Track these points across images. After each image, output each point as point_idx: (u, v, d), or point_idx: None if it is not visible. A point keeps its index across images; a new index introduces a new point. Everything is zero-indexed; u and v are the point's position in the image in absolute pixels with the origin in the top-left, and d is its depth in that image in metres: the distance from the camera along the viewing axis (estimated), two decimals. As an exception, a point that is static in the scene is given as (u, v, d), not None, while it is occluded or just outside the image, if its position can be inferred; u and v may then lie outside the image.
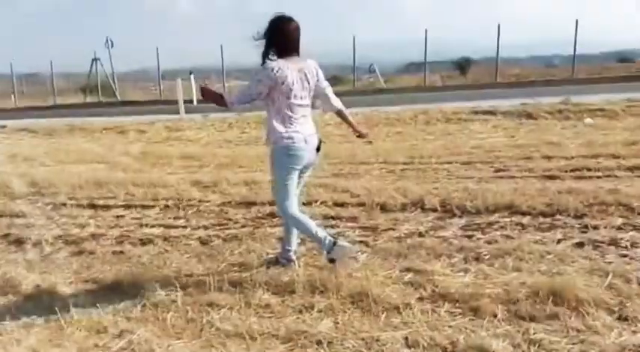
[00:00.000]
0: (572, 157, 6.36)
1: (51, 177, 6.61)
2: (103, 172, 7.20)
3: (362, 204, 4.82)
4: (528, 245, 3.49)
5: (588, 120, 9.52)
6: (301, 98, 3.10)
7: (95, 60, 21.61)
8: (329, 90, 3.30)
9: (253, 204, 5.08)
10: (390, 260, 3.44)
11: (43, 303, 3.08)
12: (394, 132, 9.83)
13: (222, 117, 12.41)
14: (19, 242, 4.33)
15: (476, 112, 10.93)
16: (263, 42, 3.08)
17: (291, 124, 3.09)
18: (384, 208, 4.69)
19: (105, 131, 11.99)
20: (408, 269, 3.23)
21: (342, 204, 4.88)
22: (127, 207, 5.27)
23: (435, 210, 4.54)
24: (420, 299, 2.84)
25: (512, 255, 3.35)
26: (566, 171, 5.65)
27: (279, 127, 3.08)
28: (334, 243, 3.10)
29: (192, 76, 17.51)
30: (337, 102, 3.35)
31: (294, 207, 3.22)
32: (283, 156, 3.11)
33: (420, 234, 3.94)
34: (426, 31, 18.53)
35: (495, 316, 2.60)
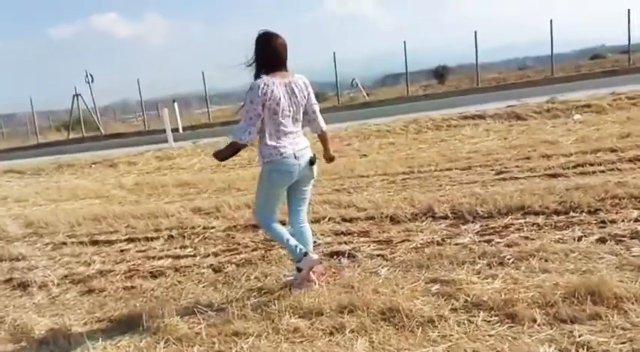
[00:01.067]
0: (571, 154, 6.37)
1: (46, 217, 6.44)
2: (99, 207, 7.04)
3: (371, 218, 4.75)
4: (550, 245, 3.44)
5: (577, 117, 9.60)
6: (290, 112, 3.06)
7: (76, 95, 21.39)
8: (317, 109, 3.26)
9: (257, 226, 4.98)
10: (413, 272, 3.36)
11: (60, 348, 2.93)
12: (387, 143, 9.81)
13: (213, 142, 12.29)
14: (23, 286, 4.17)
15: (465, 117, 10.98)
16: (253, 65, 3.10)
17: (280, 140, 3.06)
18: (394, 220, 4.62)
19: (94, 165, 11.80)
20: (434, 280, 3.16)
21: (350, 220, 4.80)
22: (131, 240, 5.13)
23: (446, 218, 4.48)
24: (454, 310, 2.76)
25: (536, 257, 3.29)
26: (568, 168, 5.65)
27: (269, 143, 3.06)
28: (305, 254, 3.19)
29: (175, 104, 17.45)
30: (323, 124, 3.31)
31: (272, 219, 3.31)
32: (273, 172, 3.10)
33: (437, 243, 3.87)
34: (404, 42, 18.73)
35: (535, 321, 2.52)
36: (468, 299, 2.82)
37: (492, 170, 6.15)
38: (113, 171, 10.89)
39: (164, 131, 19.64)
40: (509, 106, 11.29)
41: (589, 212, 4.07)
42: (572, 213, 4.10)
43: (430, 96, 17.94)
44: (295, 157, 3.09)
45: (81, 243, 5.23)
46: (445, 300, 2.87)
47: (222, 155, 3.22)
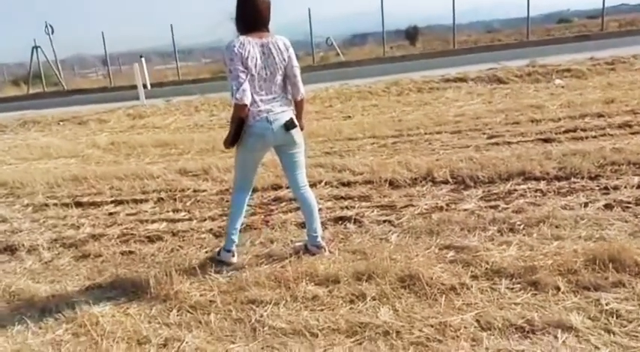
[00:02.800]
0: (559, 119, 6.41)
1: (21, 177, 6.13)
2: (76, 167, 6.76)
3: (369, 182, 4.69)
4: (558, 211, 3.46)
5: (558, 81, 9.65)
6: (266, 74, 2.91)
7: (35, 48, 20.21)
8: (298, 73, 3.04)
9: (254, 190, 4.84)
10: (424, 238, 3.33)
11: (64, 316, 2.79)
12: (370, 105, 9.66)
13: (186, 101, 11.93)
14: (10, 249, 3.96)
15: (446, 80, 10.91)
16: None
17: (255, 102, 2.91)
18: (393, 184, 4.57)
19: (62, 123, 11.28)
20: (448, 247, 3.13)
21: (348, 184, 4.73)
22: (118, 202, 4.93)
23: (446, 183, 4.46)
24: (474, 277, 2.74)
25: (546, 223, 3.31)
26: (559, 133, 5.68)
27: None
28: (228, 251, 3.26)
29: (142, 60, 16.74)
30: (302, 90, 3.09)
31: (240, 187, 3.22)
32: (244, 135, 2.96)
33: (442, 209, 3.85)
34: (381, 0, 18.31)
35: (558, 289, 2.53)
36: (487, 266, 2.80)
37: (484, 134, 6.14)
38: (84, 129, 10.43)
39: (131, 87, 18.93)
40: (490, 69, 11.26)
41: (590, 178, 4.10)
42: (573, 179, 4.12)
43: (407, 58, 17.73)
44: (268, 121, 2.94)
45: (64, 204, 5.00)
46: (463, 267, 2.84)
47: (229, 135, 3.00)
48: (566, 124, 6.07)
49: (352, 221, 3.79)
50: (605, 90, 8.32)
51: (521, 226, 3.31)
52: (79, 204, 4.99)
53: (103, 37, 19.76)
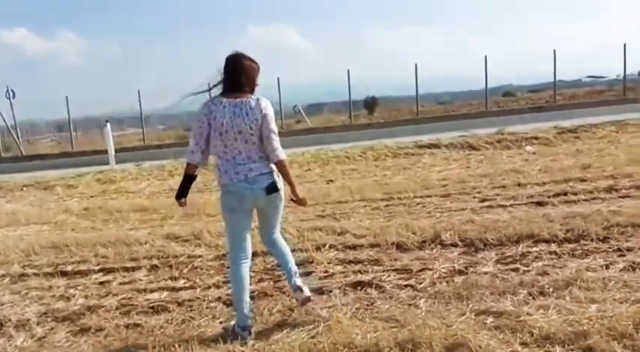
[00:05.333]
0: (544, 183, 6.59)
1: (-9, 245, 5.68)
2: (50, 234, 6.35)
3: (375, 245, 4.58)
4: (583, 273, 3.42)
5: (529, 148, 10.05)
6: (236, 133, 2.88)
7: (-7, 112, 19.62)
8: (272, 135, 2.93)
9: (254, 254, 4.62)
10: (454, 303, 3.20)
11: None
12: (349, 169, 9.73)
13: (158, 165, 11.68)
14: (-5, 326, 3.57)
15: (420, 146, 11.17)
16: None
17: (229, 162, 2.91)
18: (400, 247, 4.48)
19: (25, 188, 10.76)
20: (484, 312, 3.01)
21: (353, 247, 4.61)
22: (107, 270, 4.60)
23: (455, 245, 4.40)
24: (525, 344, 2.61)
25: (574, 286, 3.25)
26: (549, 197, 5.79)
27: (220, 166, 2.95)
28: (239, 328, 3.00)
29: (108, 125, 16.47)
30: (278, 152, 2.95)
31: (237, 256, 3.06)
32: (224, 195, 2.98)
33: (462, 272, 3.76)
34: (348, 71, 18.96)
35: (617, 354, 2.43)
36: (535, 332, 2.68)
37: (474, 197, 6.21)
38: (50, 195, 9.95)
39: (93, 152, 18.56)
40: (460, 136, 11.63)
41: (599, 240, 4.13)
42: (582, 241, 4.15)
43: (373, 125, 18.21)
44: (247, 181, 2.90)
45: (47, 274, 4.61)
46: (511, 334, 2.71)
47: (179, 189, 3.12)
48: (552, 188, 6.22)
49: (372, 286, 3.63)
50: (576, 156, 8.69)
51: (551, 289, 3.24)
52: (63, 273, 4.61)
53: (67, 102, 19.39)
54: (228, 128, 2.86)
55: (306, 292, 3.14)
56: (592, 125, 11.58)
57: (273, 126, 2.96)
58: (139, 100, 19.33)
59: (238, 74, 2.92)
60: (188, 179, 3.06)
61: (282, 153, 2.97)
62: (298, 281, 3.17)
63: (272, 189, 2.95)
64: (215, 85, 3.02)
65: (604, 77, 39.53)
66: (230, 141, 2.89)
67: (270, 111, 2.96)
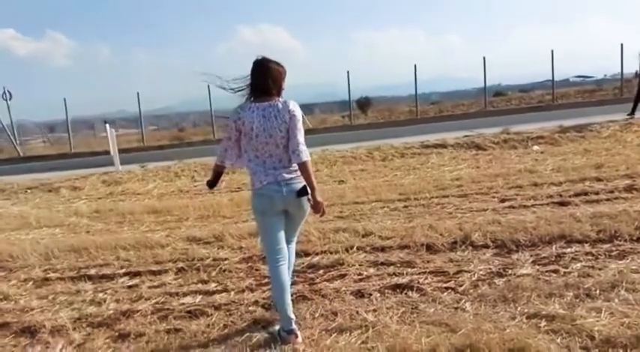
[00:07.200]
0: (561, 183, 6.58)
1: (6, 248, 5.59)
2: (65, 237, 6.25)
3: (404, 247, 4.55)
4: (628, 275, 3.41)
5: (536, 148, 10.06)
6: (266, 137, 2.91)
7: (-12, 113, 19.44)
8: (298, 136, 2.93)
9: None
10: (501, 306, 3.19)
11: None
12: (357, 170, 9.69)
13: (164, 166, 11.58)
14: (30, 331, 3.48)
15: (426, 146, 11.15)
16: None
17: (259, 166, 2.95)
18: (430, 249, 4.46)
19: (30, 190, 10.60)
20: (535, 316, 2.99)
21: (382, 249, 4.57)
22: (133, 274, 4.53)
23: (486, 247, 4.38)
24: (585, 349, 2.60)
25: (620, 287, 3.25)
26: (570, 197, 5.79)
27: (251, 170, 2.99)
28: (284, 332, 2.98)
29: (107, 126, 16.33)
30: (302, 154, 2.91)
31: (273, 258, 3.05)
32: (255, 198, 3.01)
33: (500, 274, 3.74)
34: (348, 72, 18.96)
35: (682, 356, 2.42)
36: (595, 336, 2.66)
37: (493, 198, 6.19)
38: (56, 197, 9.82)
39: (92, 153, 18.45)
40: (466, 136, 11.63)
41: (633, 240, 4.13)
42: (616, 242, 4.14)
43: (373, 126, 18.22)
44: (278, 184, 2.93)
45: (71, 278, 4.54)
46: (568, 338, 2.70)
47: (210, 180, 3.29)
48: (570, 188, 6.22)
49: (412, 289, 3.60)
50: (586, 156, 8.71)
51: (597, 291, 3.24)
52: (88, 277, 4.54)
53: (65, 104, 19.24)
54: (258, 132, 2.89)
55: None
56: (596, 124, 11.63)
57: (300, 127, 2.97)
58: (138, 102, 19.25)
59: (265, 78, 2.94)
60: (217, 174, 3.26)
61: (307, 155, 2.94)
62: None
63: (303, 192, 2.95)
64: (239, 90, 3.04)
65: (592, 77, 40.14)
66: (261, 145, 2.92)
67: (297, 112, 2.97)
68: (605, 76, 36.07)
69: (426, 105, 34.15)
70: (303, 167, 2.93)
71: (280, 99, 2.97)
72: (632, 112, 12.07)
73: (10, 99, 19.28)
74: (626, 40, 19.07)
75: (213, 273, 4.40)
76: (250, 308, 3.58)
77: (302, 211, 3.08)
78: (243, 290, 3.93)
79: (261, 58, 2.99)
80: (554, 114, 15.43)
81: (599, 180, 6.53)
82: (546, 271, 3.68)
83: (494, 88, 41.93)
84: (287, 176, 2.94)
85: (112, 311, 3.70)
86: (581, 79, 41.66)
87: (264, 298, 3.70)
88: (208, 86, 18.54)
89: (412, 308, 3.28)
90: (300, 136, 2.94)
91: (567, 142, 10.39)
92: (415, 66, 19.05)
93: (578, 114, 14.48)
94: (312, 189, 2.94)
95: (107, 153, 15.01)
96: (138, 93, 18.99)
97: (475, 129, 12.96)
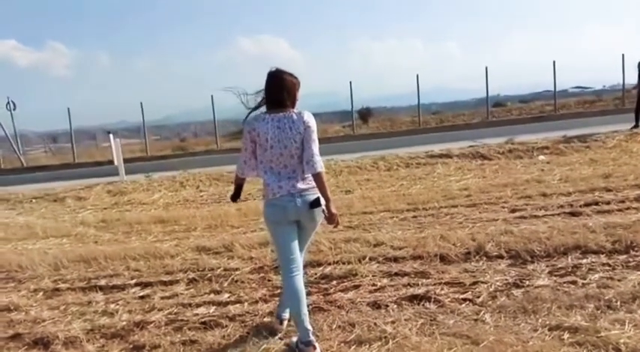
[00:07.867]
0: (570, 193, 6.56)
1: (14, 259, 5.56)
2: (73, 247, 6.22)
3: (416, 257, 4.52)
4: (647, 285, 3.38)
5: (542, 158, 10.06)
6: (281, 148, 2.90)
7: (-7, 124, 19.44)
8: (313, 146, 2.93)
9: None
10: (521, 317, 3.16)
11: None
12: (363, 179, 9.67)
13: (169, 176, 11.56)
14: (42, 343, 3.45)
15: (431, 156, 11.14)
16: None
17: (273, 176, 2.95)
18: (444, 259, 4.43)
19: (35, 200, 10.58)
20: (558, 328, 2.96)
21: (395, 259, 4.54)
22: (144, 284, 4.50)
23: (501, 257, 4.35)
24: (611, 360, 2.56)
25: (641, 298, 3.21)
26: (581, 207, 5.77)
27: (265, 180, 2.98)
28: (303, 344, 2.93)
29: (111, 136, 16.34)
30: (317, 165, 2.90)
31: (287, 269, 3.01)
32: (267, 208, 2.99)
33: (518, 285, 3.70)
34: (350, 83, 19.02)
35: None
36: (622, 349, 2.63)
37: (503, 208, 6.17)
38: (61, 207, 9.80)
39: (96, 163, 18.44)
40: (471, 146, 11.62)
41: (648, 251, 4.10)
42: (632, 252, 4.11)
43: (376, 136, 18.23)
44: (291, 195, 2.91)
45: (83, 288, 4.51)
46: (595, 351, 2.66)
47: (233, 194, 3.34)
48: (580, 198, 6.19)
49: (430, 300, 3.56)
50: (592, 166, 8.69)
51: (618, 303, 3.21)
52: (98, 288, 4.51)
53: (69, 113, 19.26)
54: (273, 143, 2.89)
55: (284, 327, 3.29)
56: (600, 134, 11.62)
57: (315, 138, 2.96)
58: (142, 111, 19.29)
59: (280, 90, 2.94)
60: (238, 186, 3.28)
61: (321, 166, 2.93)
62: (286, 314, 3.33)
63: (316, 203, 2.93)
64: (255, 108, 3.06)
65: (590, 87, 40.33)
66: (276, 156, 2.92)
67: (312, 124, 2.96)
68: (604, 86, 36.29)
69: (426, 115, 34.31)
70: (317, 178, 2.91)
71: (295, 110, 2.97)
72: (637, 124, 12.07)
73: (14, 109, 19.31)
74: (626, 51, 19.09)
75: (225, 284, 4.36)
76: (265, 319, 3.54)
77: (314, 223, 3.07)
78: (256, 301, 3.90)
79: (275, 70, 2.98)
80: (556, 125, 15.43)
81: (608, 190, 6.50)
82: (564, 282, 3.65)
83: (494, 99, 42.06)
84: (301, 187, 2.93)
85: (125, 322, 3.67)
86: (580, 89, 41.82)
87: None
88: (212, 97, 18.74)
89: (431, 320, 3.24)
90: (315, 147, 2.94)
91: (572, 152, 10.38)
92: (417, 76, 19.09)
93: (581, 124, 14.47)
94: (327, 200, 2.92)
95: (110, 162, 15.03)
96: (141, 103, 19.05)
97: (479, 139, 12.97)
